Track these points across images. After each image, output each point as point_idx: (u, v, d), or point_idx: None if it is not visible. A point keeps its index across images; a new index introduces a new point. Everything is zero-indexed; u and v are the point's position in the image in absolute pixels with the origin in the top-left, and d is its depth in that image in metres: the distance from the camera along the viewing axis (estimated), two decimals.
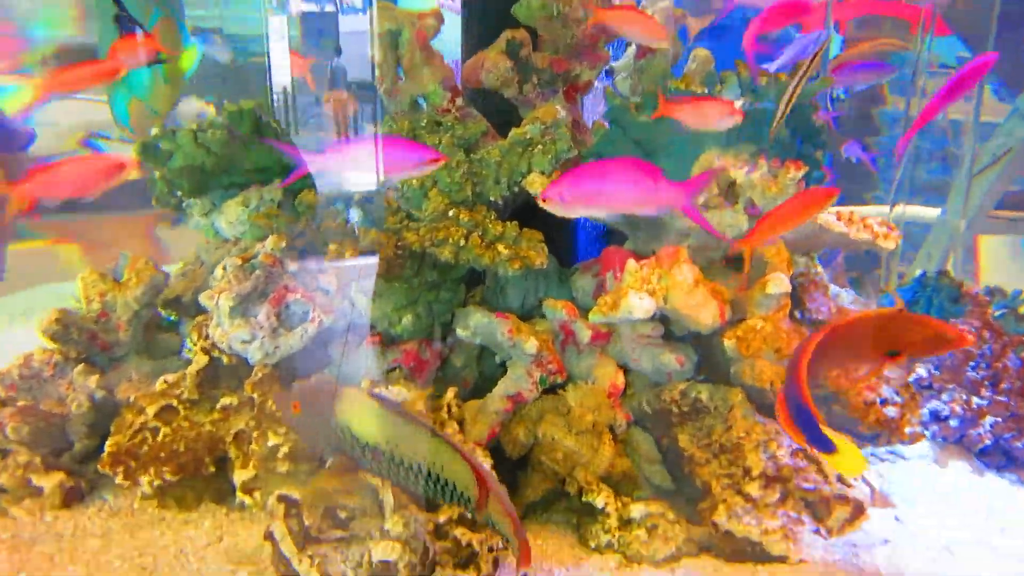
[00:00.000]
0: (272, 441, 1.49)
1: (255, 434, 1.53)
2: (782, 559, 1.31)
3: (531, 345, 1.45)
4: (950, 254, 3.37)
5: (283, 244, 1.55)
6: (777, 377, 1.51)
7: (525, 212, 1.75)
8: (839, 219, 1.46)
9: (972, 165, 3.13)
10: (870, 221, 1.49)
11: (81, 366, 1.66)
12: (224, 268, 1.67)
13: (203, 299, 1.65)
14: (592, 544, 1.41)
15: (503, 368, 1.58)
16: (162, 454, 1.52)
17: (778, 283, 1.38)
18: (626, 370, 1.58)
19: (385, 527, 1.24)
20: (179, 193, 2.01)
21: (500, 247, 1.40)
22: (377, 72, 1.87)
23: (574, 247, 2.01)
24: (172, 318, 1.93)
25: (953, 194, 3.26)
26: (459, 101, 1.83)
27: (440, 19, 1.84)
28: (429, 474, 1.13)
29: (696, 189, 1.34)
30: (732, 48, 2.83)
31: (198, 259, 2.05)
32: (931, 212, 3.51)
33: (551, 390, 1.54)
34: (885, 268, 3.09)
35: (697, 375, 1.65)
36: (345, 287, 1.64)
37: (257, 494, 1.48)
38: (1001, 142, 3.16)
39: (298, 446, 1.49)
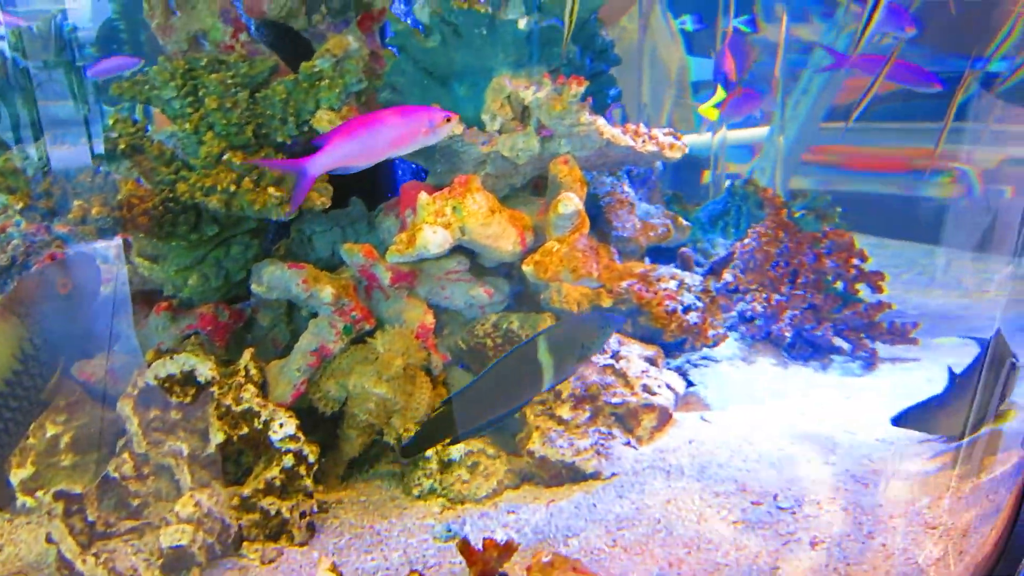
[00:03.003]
0: (51, 432, 1.35)
1: (32, 426, 1.38)
2: (596, 476, 1.34)
3: (327, 293, 1.38)
4: (777, 167, 3.57)
5: (20, 206, 1.37)
6: (584, 298, 1.52)
7: None
8: (626, 132, 1.45)
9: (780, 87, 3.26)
10: (655, 133, 1.50)
11: None
12: None
13: None
14: (416, 492, 1.39)
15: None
16: None
17: (568, 203, 1.37)
18: (439, 309, 1.54)
19: (175, 509, 1.16)
20: None
21: (272, 190, 1.30)
22: (145, 6, 1.68)
23: (389, 188, 1.94)
24: None
25: (775, 114, 3.42)
26: (243, 37, 1.67)
27: None
28: None
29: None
30: None
31: None
32: (760, 132, 3.68)
33: (362, 340, 1.48)
34: (713, 184, 3.22)
35: (521, 306, 1.64)
36: (124, 250, 1.49)
37: (40, 493, 1.34)
38: (819, 59, 3.32)
39: (81, 433, 1.36)
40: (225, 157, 1.37)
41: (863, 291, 1.91)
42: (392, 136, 1.25)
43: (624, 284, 1.51)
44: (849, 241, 1.86)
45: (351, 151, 1.23)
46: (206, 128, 1.45)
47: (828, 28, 3.27)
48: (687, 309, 1.57)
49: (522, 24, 1.44)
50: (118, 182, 1.38)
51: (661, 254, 2.02)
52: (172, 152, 1.50)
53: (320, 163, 1.24)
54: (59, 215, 1.38)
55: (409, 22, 1.85)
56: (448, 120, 1.24)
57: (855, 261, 1.82)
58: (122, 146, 1.43)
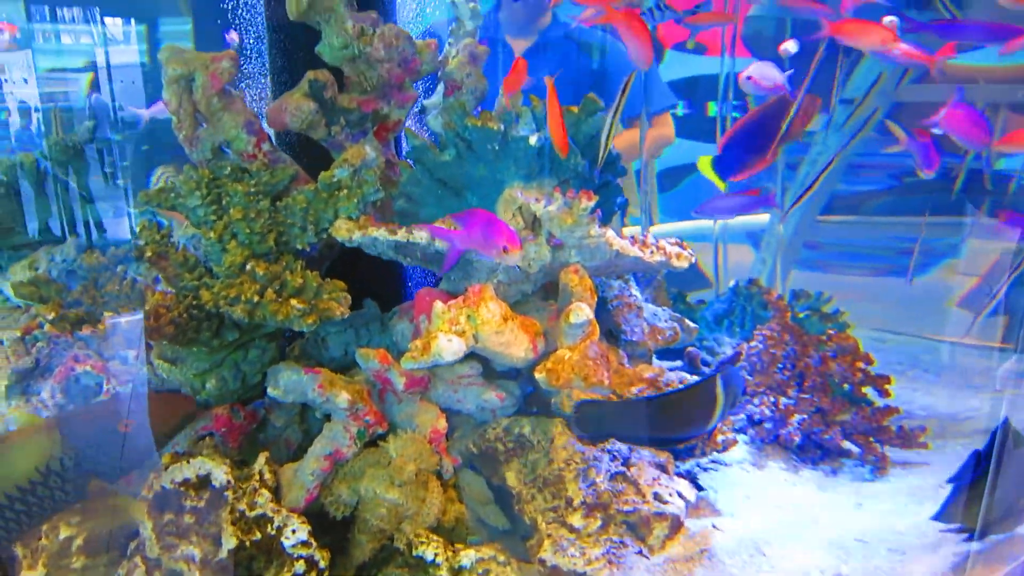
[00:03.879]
0: (64, 533, 1.36)
1: (45, 527, 1.38)
2: None
3: (343, 399, 1.40)
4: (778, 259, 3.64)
5: (52, 315, 1.42)
6: None
7: (348, 257, 1.71)
8: (634, 244, 1.51)
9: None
10: (663, 243, 1.56)
11: None
12: (1, 343, 1.52)
13: None
14: None
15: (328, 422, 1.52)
16: None
17: (579, 313, 1.41)
18: (451, 412, 1.56)
19: None
20: None
21: (295, 302, 1.35)
22: (174, 120, 1.77)
23: (402, 291, 1.99)
24: None
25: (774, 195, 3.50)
26: (265, 146, 1.76)
27: (236, 62, 1.76)
28: None
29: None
30: (552, 64, 2.91)
31: None
32: (763, 219, 3.77)
33: (374, 443, 1.50)
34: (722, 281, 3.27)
35: (530, 407, 1.66)
36: (144, 353, 1.53)
37: None
38: (819, 150, 3.43)
39: (94, 535, 1.36)
40: (248, 267, 1.42)
41: (870, 393, 1.93)
42: (490, 242, 1.37)
43: (634, 391, 1.54)
44: (854, 345, 1.89)
45: (472, 241, 1.38)
46: (230, 237, 1.52)
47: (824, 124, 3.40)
48: None
49: (532, 140, 1.52)
50: (144, 289, 1.43)
51: (669, 350, 2.06)
52: (195, 259, 1.56)
53: (464, 242, 1.40)
54: (87, 321, 1.43)
55: (426, 133, 1.95)
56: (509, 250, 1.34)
57: (861, 364, 1.84)
58: (149, 253, 1.49)
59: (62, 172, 1.82)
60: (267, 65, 1.95)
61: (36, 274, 1.59)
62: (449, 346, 1.37)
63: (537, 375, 1.43)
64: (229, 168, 1.65)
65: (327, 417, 1.53)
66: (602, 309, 1.75)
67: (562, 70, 1.57)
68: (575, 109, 1.55)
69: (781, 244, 3.63)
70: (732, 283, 2.35)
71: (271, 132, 1.81)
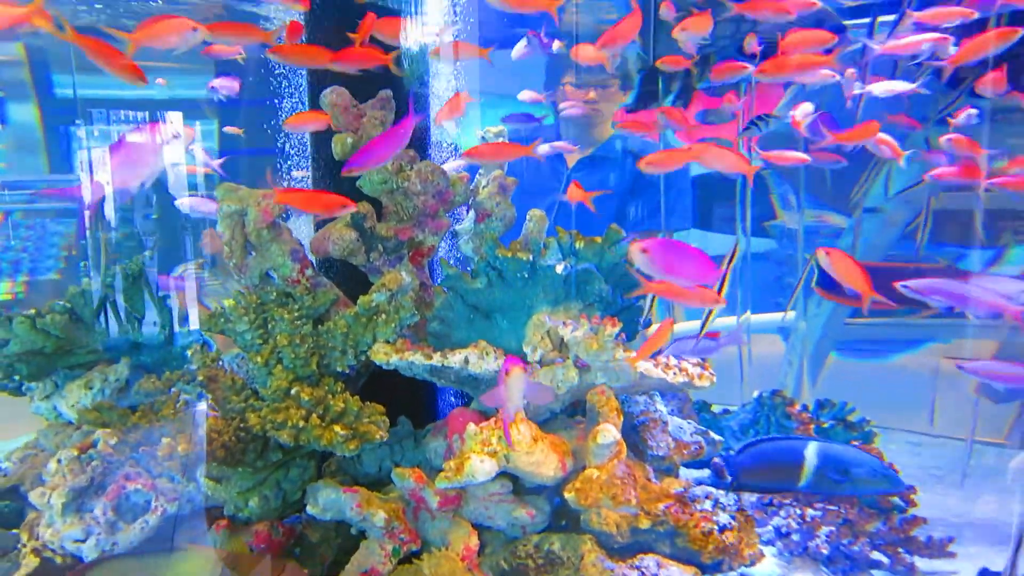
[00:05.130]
0: None
1: None
2: None
3: (380, 518, 1.46)
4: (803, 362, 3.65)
5: (114, 440, 1.51)
6: (623, 520, 1.58)
7: (383, 374, 1.80)
8: (656, 366, 1.59)
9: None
10: (685, 364, 1.64)
11: None
12: (59, 461, 1.61)
13: (33, 497, 1.58)
14: None
15: (363, 538, 1.57)
16: None
17: (607, 434, 1.48)
18: (482, 528, 1.61)
19: None
20: (16, 378, 1.94)
21: (338, 427, 1.43)
22: (226, 249, 1.91)
23: (434, 408, 2.07)
24: (10, 504, 1.83)
25: (794, 301, 3.55)
26: (308, 272, 1.89)
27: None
28: None
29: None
30: (605, 176, 3.05)
31: (38, 444, 1.96)
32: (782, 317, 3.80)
33: (407, 559, 1.54)
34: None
35: (557, 521, 1.70)
36: (191, 471, 1.61)
37: None
38: (848, 243, 3.48)
39: None
40: (293, 391, 1.52)
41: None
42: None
43: (661, 507, 1.58)
44: (878, 456, 1.91)
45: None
46: (275, 361, 1.62)
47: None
48: (723, 529, 1.62)
49: (559, 269, 1.63)
50: (197, 413, 1.53)
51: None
52: (242, 381, 1.66)
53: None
54: (144, 444, 1.52)
55: (458, 256, 2.08)
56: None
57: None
58: (201, 377, 1.60)
59: (122, 297, 1.96)
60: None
61: (100, 401, 1.70)
62: (482, 467, 1.43)
63: (567, 495, 1.48)
64: (275, 293, 1.77)
65: (362, 534, 1.58)
66: (628, 424, 1.80)
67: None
68: (599, 240, 1.66)
69: (806, 345, 3.66)
70: (756, 394, 2.39)
71: (313, 259, 1.95)
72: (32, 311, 1.89)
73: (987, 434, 2.80)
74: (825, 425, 2.31)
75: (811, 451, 1.70)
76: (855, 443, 1.98)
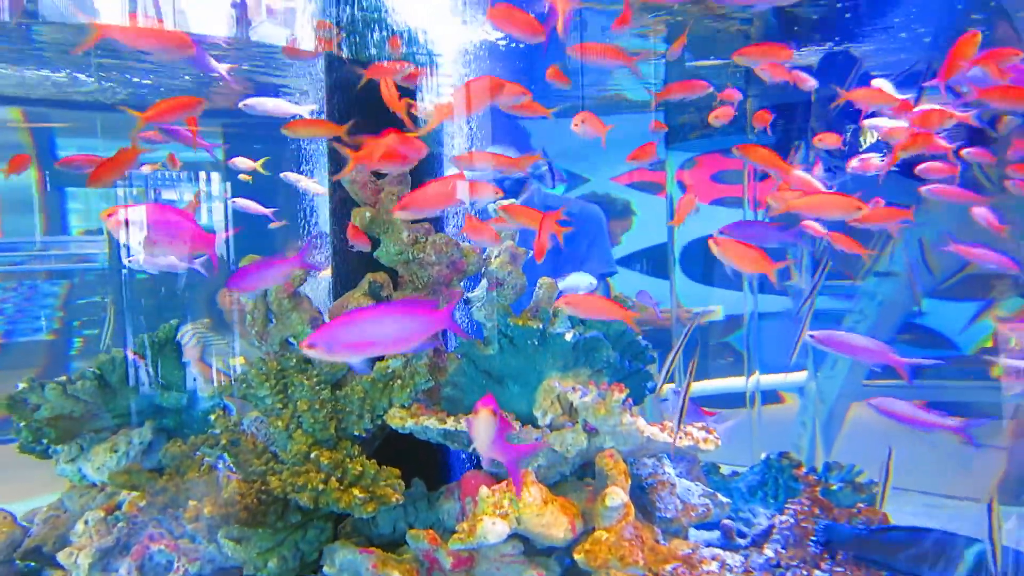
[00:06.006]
0: None
1: None
2: None
3: None
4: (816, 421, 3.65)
5: (142, 502, 1.57)
6: None
7: (396, 438, 1.86)
8: (662, 431, 1.64)
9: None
10: (690, 430, 1.69)
11: None
12: (85, 522, 1.67)
13: (62, 557, 1.63)
14: None
15: None
16: None
17: (615, 497, 1.53)
18: None
19: None
20: (44, 441, 2.01)
21: (356, 490, 1.50)
22: (248, 319, 2.01)
23: (446, 470, 2.12)
24: (32, 565, 1.87)
25: (810, 359, 3.57)
26: None
27: (307, 271, 2.02)
28: None
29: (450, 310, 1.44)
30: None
31: (61, 505, 2.02)
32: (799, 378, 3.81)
33: None
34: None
35: None
36: (212, 532, 1.66)
37: None
38: (863, 306, 3.50)
39: None
40: (312, 455, 1.58)
41: None
42: None
43: (668, 568, 1.61)
44: (882, 518, 1.94)
45: None
46: (295, 426, 1.69)
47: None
48: None
49: (568, 336, 1.71)
50: (222, 478, 1.59)
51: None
52: (263, 445, 1.73)
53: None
54: (171, 506, 1.59)
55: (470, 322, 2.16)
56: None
57: None
58: (224, 441, 1.67)
59: (148, 363, 2.05)
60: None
61: (129, 464, 1.77)
62: (494, 529, 1.48)
63: (576, 556, 1.52)
64: (294, 360, 1.85)
65: None
66: (636, 487, 1.85)
67: None
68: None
69: (818, 408, 3.66)
70: (764, 456, 2.43)
71: None
72: (63, 378, 1.98)
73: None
74: (833, 487, 2.33)
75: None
76: (860, 505, 2.01)
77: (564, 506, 1.59)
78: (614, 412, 1.60)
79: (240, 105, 2.16)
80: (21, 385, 1.95)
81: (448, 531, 1.65)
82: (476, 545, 1.51)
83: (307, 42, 1.99)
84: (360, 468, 1.57)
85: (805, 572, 1.93)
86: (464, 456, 2.04)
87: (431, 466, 2.00)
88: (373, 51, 2.01)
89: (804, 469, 2.12)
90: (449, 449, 2.08)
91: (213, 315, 2.54)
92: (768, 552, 2.01)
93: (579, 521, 1.61)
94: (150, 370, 2.11)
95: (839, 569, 1.93)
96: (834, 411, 3.68)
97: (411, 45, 2.17)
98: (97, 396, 1.95)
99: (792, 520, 2.02)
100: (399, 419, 1.70)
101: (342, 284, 2.09)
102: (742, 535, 2.23)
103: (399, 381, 1.77)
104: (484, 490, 1.54)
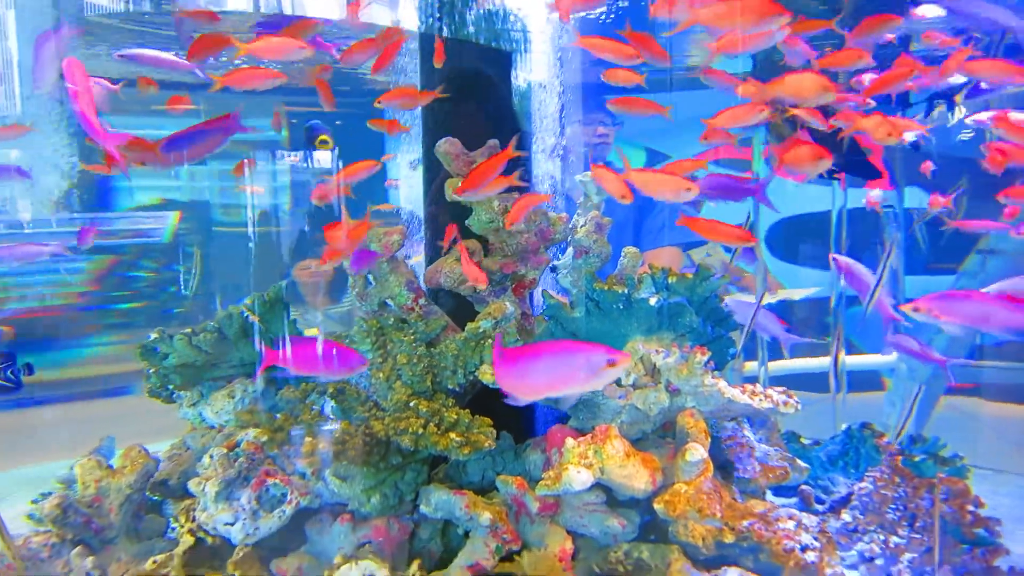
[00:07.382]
0: None
1: None
2: None
3: (486, 518, 1.64)
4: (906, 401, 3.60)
5: (265, 438, 1.75)
6: (708, 533, 1.70)
7: (485, 394, 1.99)
8: (743, 392, 1.71)
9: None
10: (771, 392, 1.75)
11: (78, 548, 1.81)
12: (211, 457, 1.87)
13: (192, 485, 1.84)
14: None
15: (466, 537, 1.76)
16: None
17: (695, 452, 1.61)
18: (576, 535, 1.76)
19: None
20: (170, 387, 2.23)
21: (453, 434, 1.63)
22: (350, 280, 2.17)
23: (531, 424, 2.24)
24: (157, 498, 2.10)
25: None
26: (422, 301, 2.11)
27: (404, 235, 2.16)
28: None
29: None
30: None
31: (184, 444, 2.24)
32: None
33: (508, 557, 1.71)
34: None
35: (646, 535, 1.83)
36: (320, 470, 1.84)
37: None
38: (963, 284, 3.43)
39: None
40: (412, 403, 1.73)
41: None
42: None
43: (745, 523, 1.69)
44: (964, 488, 1.95)
45: None
46: (395, 378, 1.84)
47: None
48: (805, 548, 1.71)
49: (652, 301, 1.79)
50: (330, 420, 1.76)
51: (785, 487, 2.16)
52: (365, 394, 1.88)
53: None
54: (287, 443, 1.77)
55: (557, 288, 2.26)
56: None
57: (970, 508, 1.91)
58: (331, 389, 1.83)
59: (259, 321, 2.24)
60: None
61: (253, 406, 1.96)
62: (579, 477, 1.59)
63: (656, 506, 1.62)
64: (392, 319, 2.00)
65: (466, 534, 1.76)
66: (716, 448, 1.92)
67: None
68: (690, 276, 1.81)
69: (909, 393, 3.60)
70: (844, 427, 2.45)
71: (425, 289, 2.17)
72: (188, 330, 2.19)
73: None
74: (916, 459, 2.34)
75: None
76: (941, 475, 2.02)
77: (645, 460, 1.68)
78: (696, 373, 1.68)
79: (116, 56, 2.28)
80: (152, 335, 2.17)
81: (534, 481, 1.77)
82: (561, 491, 1.62)
83: (410, 22, 2.10)
84: (455, 416, 1.70)
85: (882, 537, 1.97)
86: (549, 412, 2.15)
87: (518, 422, 2.12)
88: (471, 29, 2.10)
89: (886, 439, 2.14)
90: (535, 407, 2.19)
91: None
92: (845, 517, 2.06)
93: (659, 475, 1.70)
94: (263, 326, 2.30)
95: (916, 536, 1.96)
96: (928, 392, 3.61)
97: (503, 22, 2.26)
98: (217, 347, 2.15)
99: (871, 487, 2.05)
100: (490, 375, 1.82)
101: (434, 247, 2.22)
102: (820, 501, 2.27)
103: (490, 340, 1.89)
104: (570, 441, 1.65)
